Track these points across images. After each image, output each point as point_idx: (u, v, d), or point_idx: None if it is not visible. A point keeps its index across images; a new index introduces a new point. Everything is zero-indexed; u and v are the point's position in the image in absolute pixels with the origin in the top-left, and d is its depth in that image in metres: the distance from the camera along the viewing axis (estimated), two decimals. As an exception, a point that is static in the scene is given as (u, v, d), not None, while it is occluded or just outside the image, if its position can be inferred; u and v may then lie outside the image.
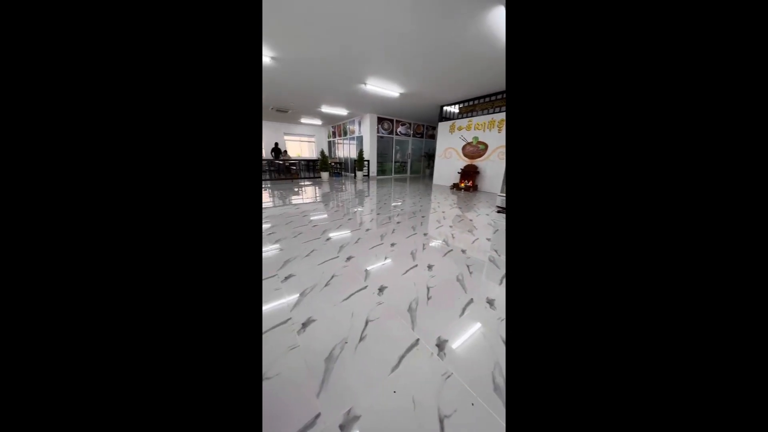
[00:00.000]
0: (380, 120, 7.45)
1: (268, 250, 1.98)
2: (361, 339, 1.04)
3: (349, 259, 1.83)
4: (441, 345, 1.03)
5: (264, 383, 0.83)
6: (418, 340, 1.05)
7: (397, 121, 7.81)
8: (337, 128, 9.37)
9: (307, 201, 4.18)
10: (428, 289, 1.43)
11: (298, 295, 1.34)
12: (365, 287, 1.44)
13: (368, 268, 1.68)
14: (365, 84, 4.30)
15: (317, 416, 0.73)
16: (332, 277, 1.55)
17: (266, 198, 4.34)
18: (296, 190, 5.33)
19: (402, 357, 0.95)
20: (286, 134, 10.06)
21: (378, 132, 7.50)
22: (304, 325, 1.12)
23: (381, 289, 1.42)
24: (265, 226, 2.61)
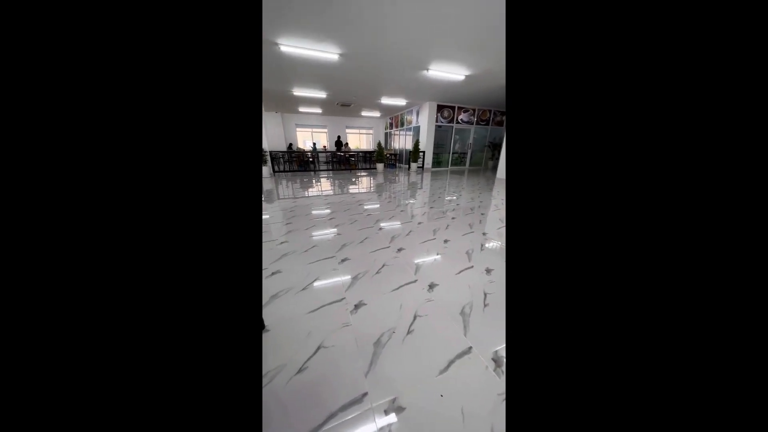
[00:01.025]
0: (440, 108, 7.00)
1: (329, 233, 2.20)
2: (408, 332, 1.04)
3: (399, 250, 1.83)
4: (498, 361, 0.91)
5: (323, 351, 0.94)
6: (470, 348, 0.96)
7: (459, 107, 7.17)
8: (395, 119, 9.38)
9: (362, 191, 4.41)
10: (485, 295, 1.29)
11: (351, 278, 1.44)
12: (415, 281, 1.42)
13: (418, 262, 1.64)
14: (428, 70, 4.08)
15: (364, 394, 0.78)
16: (383, 266, 1.59)
17: (328, 186, 4.82)
18: (353, 180, 5.70)
19: (451, 362, 0.90)
20: (347, 127, 10.80)
21: (437, 121, 7.09)
22: (356, 306, 1.19)
23: (431, 286, 1.37)
24: (325, 211, 2.92)
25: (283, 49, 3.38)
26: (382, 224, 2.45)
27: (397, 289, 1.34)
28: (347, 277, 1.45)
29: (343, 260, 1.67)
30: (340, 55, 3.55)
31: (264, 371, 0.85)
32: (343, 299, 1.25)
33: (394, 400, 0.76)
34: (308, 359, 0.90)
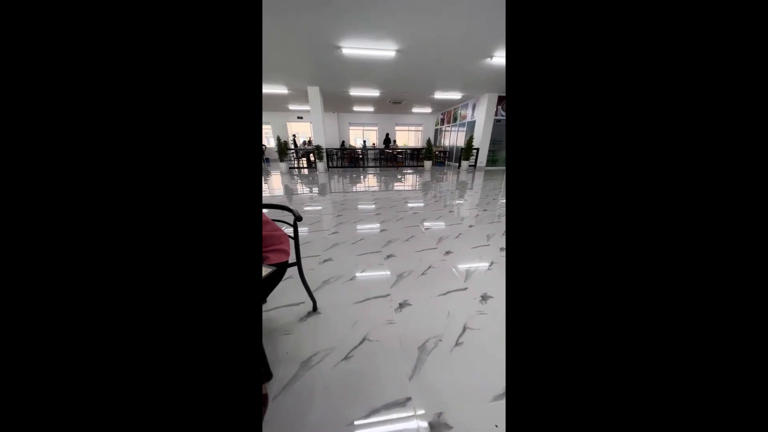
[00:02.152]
0: (501, 99, 6.26)
1: (375, 228, 2.25)
2: (457, 344, 0.95)
3: (447, 253, 1.72)
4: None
5: (368, 343, 0.96)
6: (534, 378, 0.81)
7: (525, 98, 6.24)
8: (447, 114, 8.90)
9: (408, 188, 4.36)
10: (554, 318, 1.08)
11: (396, 275, 1.43)
12: (465, 289, 1.30)
13: (469, 268, 1.51)
14: (491, 57, 3.68)
15: (408, 399, 0.75)
16: (429, 267, 1.52)
17: (375, 182, 4.96)
18: (399, 177, 5.70)
19: (509, 389, 0.78)
20: (397, 124, 10.86)
21: (496, 114, 6.38)
22: (401, 305, 1.17)
23: (484, 298, 1.23)
24: (371, 206, 2.99)
25: (345, 51, 3.58)
26: (428, 224, 2.35)
27: (445, 294, 1.26)
28: (393, 274, 1.44)
29: (388, 256, 1.67)
30: (397, 51, 3.54)
31: (315, 350, 0.92)
32: (388, 295, 1.24)
33: (440, 415, 0.71)
34: (354, 348, 0.93)
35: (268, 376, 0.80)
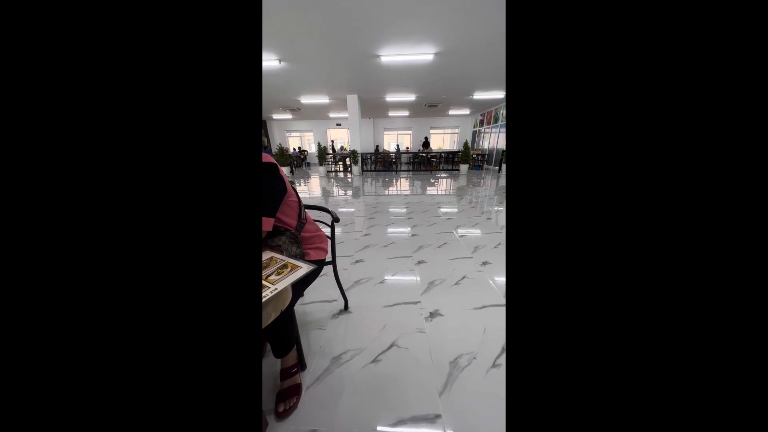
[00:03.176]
0: (553, 96, 5.59)
1: (406, 231, 2.23)
2: (494, 365, 0.87)
3: (484, 264, 1.60)
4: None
5: (397, 349, 0.94)
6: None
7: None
8: (487, 115, 8.37)
9: (442, 193, 4.21)
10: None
11: (427, 283, 1.38)
12: (504, 305, 1.18)
13: (509, 283, 1.36)
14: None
15: (438, 416, 0.70)
16: (463, 277, 1.43)
17: (407, 186, 4.93)
18: (432, 181, 5.56)
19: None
20: (432, 128, 10.67)
21: (545, 113, 5.73)
22: (432, 315, 1.12)
23: (528, 317, 1.09)
24: (402, 210, 2.98)
25: (383, 59, 3.69)
26: (462, 230, 2.23)
27: (481, 308, 1.16)
28: (423, 281, 1.40)
29: (419, 262, 1.63)
30: (436, 54, 3.49)
31: (344, 349, 0.94)
32: (418, 302, 1.21)
33: (473, 441, 0.65)
34: (382, 352, 0.93)
35: (302, 366, 0.85)
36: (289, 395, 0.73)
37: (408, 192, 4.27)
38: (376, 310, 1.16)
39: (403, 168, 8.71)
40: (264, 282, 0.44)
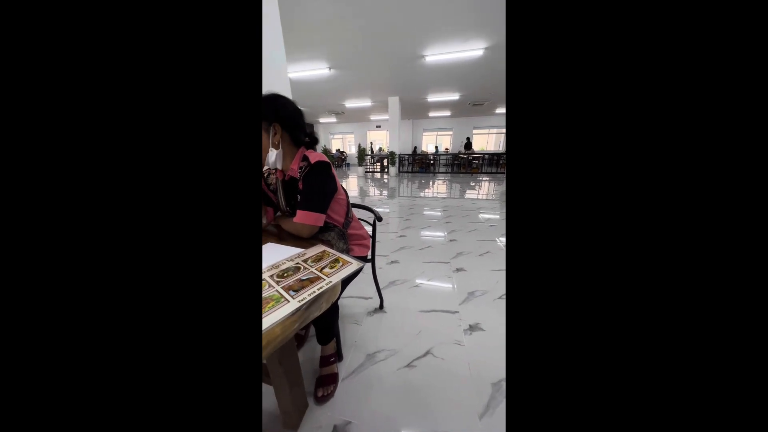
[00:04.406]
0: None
1: (444, 236, 2.13)
2: (547, 398, 0.75)
3: (535, 279, 1.41)
4: None
5: (432, 358, 0.90)
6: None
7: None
8: (542, 113, 7.46)
9: (484, 197, 3.91)
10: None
11: (466, 293, 1.29)
12: (560, 330, 1.02)
13: (568, 305, 1.17)
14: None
15: (477, 441, 0.65)
16: (509, 291, 1.29)
17: (445, 189, 4.74)
18: (473, 184, 5.22)
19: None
20: (475, 128, 10.05)
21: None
22: (471, 328, 1.04)
23: (593, 349, 0.92)
24: (438, 213, 2.86)
25: (428, 59, 3.63)
26: (509, 240, 2.02)
27: (530, 329, 1.03)
28: (462, 290, 1.31)
29: (458, 269, 1.54)
30: (486, 48, 3.27)
31: (379, 347, 0.95)
32: (456, 312, 1.14)
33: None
34: (417, 358, 0.90)
35: (340, 357, 0.88)
36: (328, 382, 0.77)
37: (446, 195, 4.10)
38: (412, 313, 1.14)
39: (440, 170, 8.41)
40: (319, 274, 0.47)
